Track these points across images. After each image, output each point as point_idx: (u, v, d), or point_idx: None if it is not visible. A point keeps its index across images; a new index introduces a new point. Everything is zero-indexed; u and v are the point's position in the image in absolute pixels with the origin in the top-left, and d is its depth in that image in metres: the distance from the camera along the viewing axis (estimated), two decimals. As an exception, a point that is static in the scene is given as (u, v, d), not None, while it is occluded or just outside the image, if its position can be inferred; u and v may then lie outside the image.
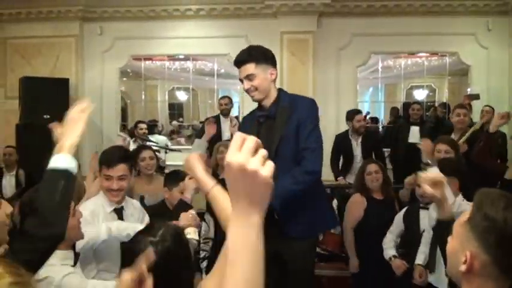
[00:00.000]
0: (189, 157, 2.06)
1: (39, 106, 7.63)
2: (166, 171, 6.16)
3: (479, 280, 1.48)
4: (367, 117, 9.22)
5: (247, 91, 3.25)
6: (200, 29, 8.45)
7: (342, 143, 6.92)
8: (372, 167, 4.66)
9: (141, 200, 4.15)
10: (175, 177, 3.99)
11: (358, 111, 7.13)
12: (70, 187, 2.00)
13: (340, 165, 6.96)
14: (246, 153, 1.01)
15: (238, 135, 1.04)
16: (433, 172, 2.43)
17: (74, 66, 8.42)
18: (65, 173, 1.97)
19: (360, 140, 6.80)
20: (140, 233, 1.89)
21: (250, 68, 3.20)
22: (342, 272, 5.06)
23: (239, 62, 3.24)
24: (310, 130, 3.20)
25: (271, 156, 3.12)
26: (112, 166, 3.06)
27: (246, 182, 1.02)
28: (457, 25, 8.10)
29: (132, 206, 3.32)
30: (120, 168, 3.08)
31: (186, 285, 1.79)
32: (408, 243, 4.18)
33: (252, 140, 1.03)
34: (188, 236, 2.44)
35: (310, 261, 3.50)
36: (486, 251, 1.45)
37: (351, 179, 6.56)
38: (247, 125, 3.46)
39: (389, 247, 4.25)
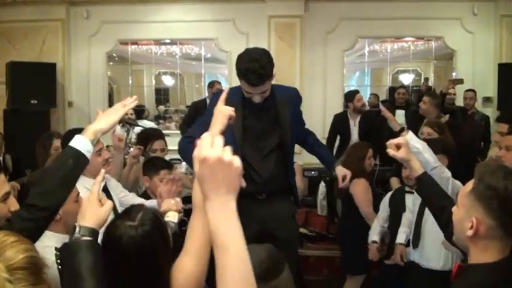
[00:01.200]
0: (223, 108, 2.26)
1: (26, 91, 7.62)
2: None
3: (484, 242, 1.70)
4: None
5: (255, 100, 3.21)
6: (188, 13, 8.42)
7: (340, 123, 6.99)
8: (371, 152, 4.72)
9: (146, 193, 3.92)
10: (155, 164, 3.89)
11: (357, 91, 7.20)
12: (78, 168, 2.07)
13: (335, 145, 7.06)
14: (219, 148, 1.18)
15: (207, 135, 1.21)
16: (409, 137, 2.65)
17: (61, 51, 8.35)
18: (77, 154, 2.04)
19: (357, 120, 6.87)
20: (118, 217, 1.92)
21: (267, 85, 3.15)
22: (329, 252, 5.18)
23: (256, 83, 3.09)
24: (301, 114, 3.58)
25: (287, 141, 3.31)
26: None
27: (224, 172, 1.17)
28: (442, 10, 8.15)
29: (111, 181, 3.46)
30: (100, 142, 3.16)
31: (166, 266, 1.83)
32: (394, 227, 4.25)
33: (220, 138, 1.20)
34: (167, 219, 2.48)
35: (296, 235, 3.82)
36: (491, 216, 1.67)
37: (344, 159, 6.68)
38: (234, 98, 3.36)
39: (373, 232, 4.37)
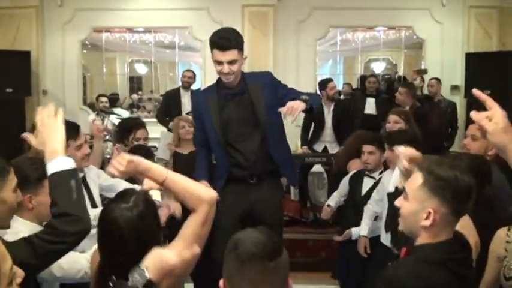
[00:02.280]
0: (130, 158, 2.11)
1: (0, 80, 7.57)
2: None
3: (438, 228, 1.82)
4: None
5: (225, 74, 3.37)
6: (162, 1, 8.47)
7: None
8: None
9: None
10: (138, 153, 3.91)
11: (330, 79, 7.33)
12: (79, 183, 2.13)
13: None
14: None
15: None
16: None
17: (35, 38, 8.29)
18: (71, 172, 2.08)
19: (332, 107, 7.01)
20: (112, 201, 1.99)
21: (234, 54, 3.33)
22: (302, 235, 5.37)
23: (226, 47, 3.31)
24: (288, 90, 3.63)
25: (263, 123, 3.42)
26: (77, 136, 3.22)
27: None
28: (412, 0, 8.36)
29: (90, 172, 3.50)
30: (82, 134, 3.28)
31: (156, 243, 1.90)
32: (348, 204, 4.51)
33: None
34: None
35: (280, 221, 3.89)
36: (445, 205, 1.79)
37: (320, 146, 6.92)
38: (203, 103, 3.63)
39: (331, 200, 4.61)
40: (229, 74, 3.38)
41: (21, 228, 2.22)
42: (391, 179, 3.36)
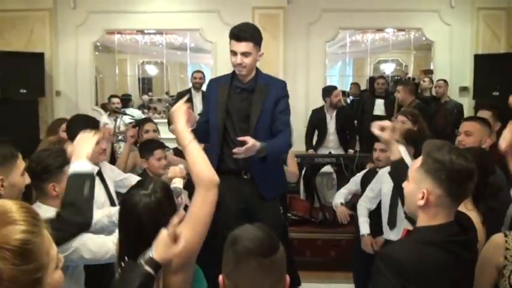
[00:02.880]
0: (176, 107, 2.30)
1: (14, 81, 7.70)
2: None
3: (434, 210, 1.92)
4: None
5: (237, 65, 3.47)
6: (173, 4, 8.55)
7: (317, 117, 7.24)
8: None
9: (145, 172, 4.22)
10: (149, 147, 4.21)
11: (334, 87, 7.44)
12: (93, 186, 2.36)
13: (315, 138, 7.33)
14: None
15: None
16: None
17: (48, 40, 8.42)
18: (88, 175, 2.34)
19: (334, 114, 7.11)
20: (133, 188, 2.10)
21: (249, 46, 3.44)
22: (311, 234, 5.45)
23: (241, 37, 3.43)
24: (284, 108, 3.61)
25: (252, 125, 3.44)
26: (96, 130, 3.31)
27: None
28: (421, 2, 8.37)
29: (105, 167, 3.62)
30: (101, 131, 3.35)
31: None
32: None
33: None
34: (173, 185, 2.70)
35: (279, 219, 3.98)
36: (439, 187, 1.89)
37: (323, 151, 7.02)
38: (215, 88, 3.71)
39: (338, 197, 4.61)
40: (242, 65, 3.46)
41: (45, 214, 2.33)
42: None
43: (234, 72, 3.63)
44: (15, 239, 1.23)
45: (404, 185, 2.06)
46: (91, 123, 3.27)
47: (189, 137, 2.18)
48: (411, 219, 2.17)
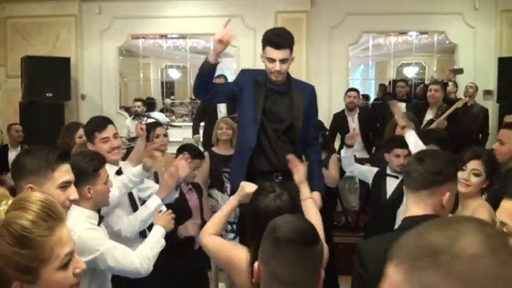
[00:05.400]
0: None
1: (41, 85, 7.88)
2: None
3: None
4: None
5: (276, 71, 3.44)
6: (196, 8, 8.67)
7: (338, 121, 7.24)
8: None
9: (156, 176, 4.25)
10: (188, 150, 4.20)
11: (350, 89, 7.43)
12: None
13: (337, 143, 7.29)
14: None
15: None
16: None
17: (74, 46, 8.61)
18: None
19: (355, 116, 7.11)
20: (257, 194, 2.27)
21: (287, 53, 3.42)
22: (333, 238, 5.44)
23: (282, 45, 3.39)
24: (315, 115, 3.78)
25: (297, 132, 3.55)
26: (103, 128, 3.31)
27: None
28: (445, 5, 8.36)
29: (126, 168, 3.58)
30: (110, 128, 3.34)
31: None
32: (374, 207, 4.55)
33: None
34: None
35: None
36: None
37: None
38: (251, 78, 3.62)
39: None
40: (280, 72, 3.45)
41: (79, 215, 2.48)
42: None
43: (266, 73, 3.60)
44: (17, 223, 1.31)
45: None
46: (98, 122, 3.40)
47: (308, 193, 2.80)
48: None
